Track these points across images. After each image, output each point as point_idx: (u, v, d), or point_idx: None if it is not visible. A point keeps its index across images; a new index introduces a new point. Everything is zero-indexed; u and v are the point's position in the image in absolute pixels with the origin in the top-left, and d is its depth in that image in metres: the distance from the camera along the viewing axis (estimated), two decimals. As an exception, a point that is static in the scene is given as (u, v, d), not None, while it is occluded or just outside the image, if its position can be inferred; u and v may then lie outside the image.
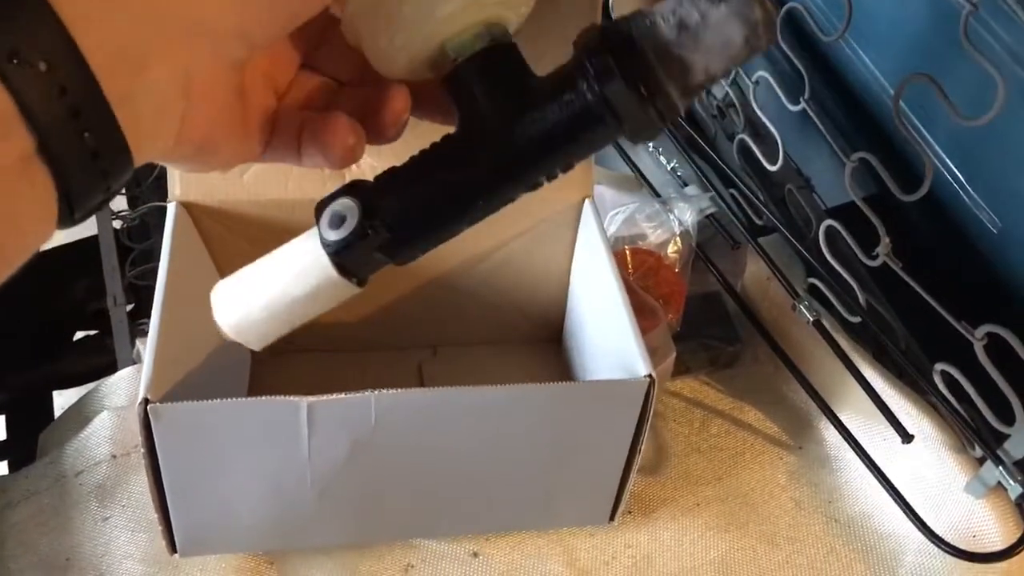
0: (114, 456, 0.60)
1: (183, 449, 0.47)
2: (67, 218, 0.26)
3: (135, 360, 0.68)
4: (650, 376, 0.49)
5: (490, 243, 0.62)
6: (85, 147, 0.25)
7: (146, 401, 0.44)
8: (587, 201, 0.60)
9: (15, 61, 0.23)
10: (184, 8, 0.27)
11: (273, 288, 0.36)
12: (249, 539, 0.55)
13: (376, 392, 0.46)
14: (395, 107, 0.36)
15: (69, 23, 0.24)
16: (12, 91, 0.23)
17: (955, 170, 0.68)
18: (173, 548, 0.53)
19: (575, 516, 0.59)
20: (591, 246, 0.59)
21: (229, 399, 0.45)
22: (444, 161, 0.35)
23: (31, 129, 0.24)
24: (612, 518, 0.58)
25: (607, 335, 0.56)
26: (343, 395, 0.46)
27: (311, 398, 0.46)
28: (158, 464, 0.47)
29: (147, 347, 0.47)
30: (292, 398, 0.46)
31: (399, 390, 0.47)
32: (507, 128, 0.34)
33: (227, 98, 0.31)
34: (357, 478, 0.51)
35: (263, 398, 0.46)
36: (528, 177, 0.35)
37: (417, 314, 0.64)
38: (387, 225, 0.34)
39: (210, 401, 0.45)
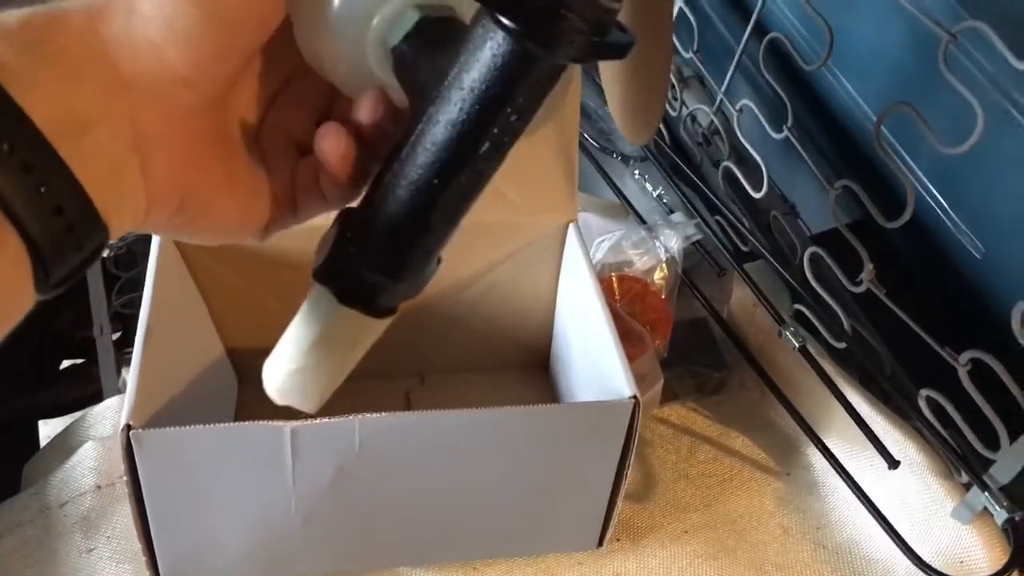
0: (99, 487, 0.60)
1: (166, 475, 0.47)
2: (44, 287, 0.26)
3: (121, 389, 0.68)
4: (635, 398, 0.49)
5: (475, 268, 0.62)
6: (60, 223, 0.25)
7: (128, 427, 0.44)
8: (571, 225, 0.60)
9: None
10: (119, 63, 0.27)
11: (295, 341, 0.34)
12: (234, 569, 0.54)
13: (360, 416, 0.46)
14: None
15: (20, 98, 0.24)
16: None
17: (938, 195, 0.69)
18: (156, 574, 0.52)
19: (563, 542, 0.59)
20: (576, 270, 0.59)
21: (212, 425, 0.45)
22: (397, 148, 0.32)
23: (4, 211, 0.24)
24: (600, 543, 0.58)
25: (592, 358, 0.56)
26: (327, 420, 0.46)
27: (295, 423, 0.45)
28: (141, 491, 0.47)
29: (130, 373, 0.47)
30: (275, 423, 0.45)
31: (383, 414, 0.46)
32: (440, 88, 0.31)
33: (196, 147, 0.30)
34: (342, 504, 0.51)
35: (246, 423, 0.45)
36: (476, 134, 0.31)
37: (404, 341, 0.64)
38: (360, 235, 0.32)
39: (193, 427, 0.45)
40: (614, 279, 0.69)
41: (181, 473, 0.47)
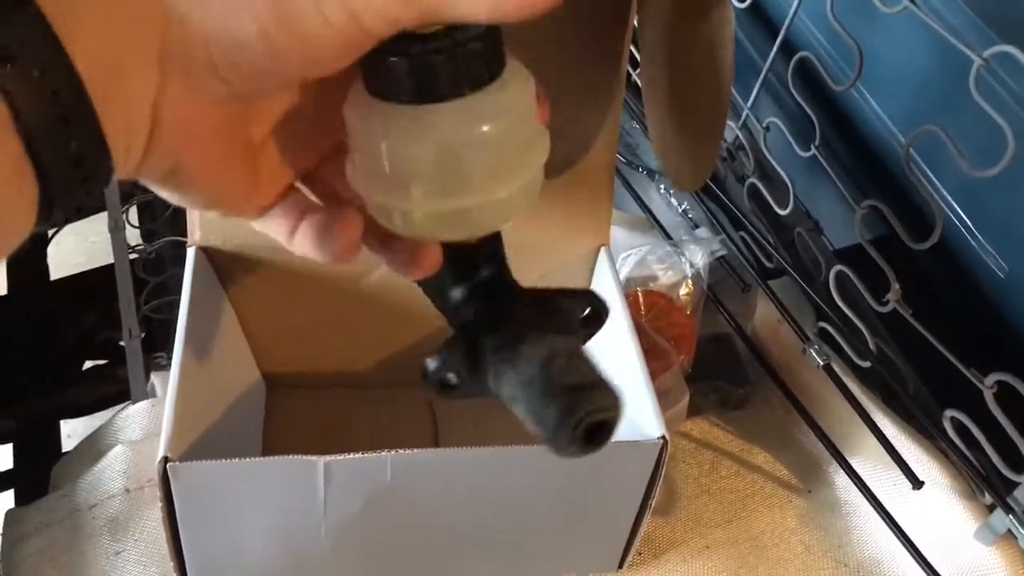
0: (127, 490, 0.60)
1: (200, 504, 0.48)
2: (45, 220, 0.27)
3: (150, 394, 0.68)
4: (663, 438, 0.49)
5: None
6: (70, 154, 0.25)
7: (166, 459, 0.45)
8: (603, 249, 0.60)
9: (9, 67, 0.23)
10: (162, 30, 0.27)
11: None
12: None
13: (392, 453, 0.47)
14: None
15: (59, 31, 0.24)
16: (6, 96, 0.23)
17: (963, 216, 0.69)
18: None
19: (584, 564, 0.59)
20: (606, 294, 0.59)
21: (246, 459, 0.46)
22: None
23: (20, 133, 0.24)
24: (620, 566, 0.59)
25: (620, 388, 0.56)
26: (359, 455, 0.46)
27: (327, 457, 0.46)
28: (175, 516, 0.48)
29: (167, 402, 0.47)
30: (309, 457, 0.46)
31: (414, 451, 0.47)
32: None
33: (204, 131, 0.30)
34: (371, 531, 0.51)
35: (279, 457, 0.46)
36: None
37: (431, 352, 0.64)
38: None
39: (227, 460, 0.46)
40: (639, 294, 0.70)
41: (215, 501, 0.48)
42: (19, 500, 0.88)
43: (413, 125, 0.31)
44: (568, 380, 0.32)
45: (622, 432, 0.55)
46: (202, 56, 0.28)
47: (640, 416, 0.52)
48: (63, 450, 0.93)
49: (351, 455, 0.46)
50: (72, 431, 1.10)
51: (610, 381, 0.32)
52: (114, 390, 0.97)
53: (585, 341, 0.36)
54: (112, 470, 0.61)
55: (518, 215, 0.35)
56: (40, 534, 0.59)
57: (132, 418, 0.65)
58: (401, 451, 0.47)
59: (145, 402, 0.66)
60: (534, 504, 0.53)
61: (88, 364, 1.07)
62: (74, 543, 0.58)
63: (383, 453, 0.47)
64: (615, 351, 0.57)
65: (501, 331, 0.34)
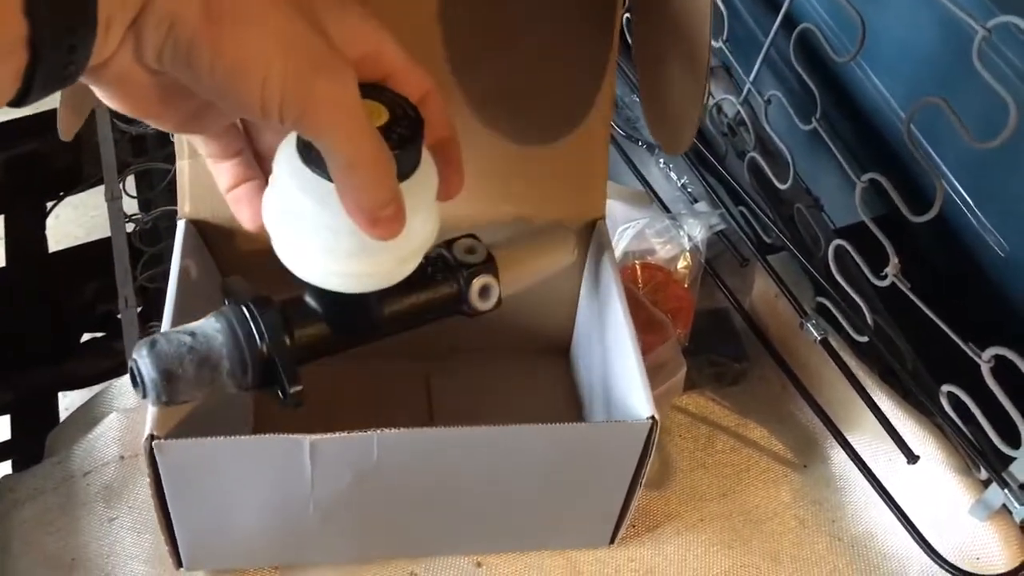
0: (122, 457, 0.60)
1: (187, 481, 0.48)
2: (22, 96, 0.28)
3: (144, 362, 0.68)
4: (653, 419, 0.49)
5: None
6: (62, 23, 0.27)
7: (152, 436, 0.45)
8: (599, 223, 0.60)
9: None
10: None
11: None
12: (253, 556, 0.55)
13: (379, 432, 0.46)
14: None
15: None
16: None
17: (963, 193, 0.69)
18: (179, 563, 0.54)
19: (575, 540, 0.59)
20: (600, 271, 0.59)
21: (232, 437, 0.46)
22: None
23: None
24: (612, 542, 0.59)
25: (612, 367, 0.56)
26: (345, 434, 0.46)
27: (313, 436, 0.46)
28: (163, 491, 0.48)
29: None
30: (295, 436, 0.46)
31: (401, 430, 0.46)
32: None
33: (144, 75, 0.33)
34: (360, 507, 0.52)
35: (265, 436, 0.46)
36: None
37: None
38: None
39: (212, 439, 0.46)
40: (637, 267, 0.69)
41: (202, 478, 0.48)
42: (18, 471, 0.88)
43: (316, 194, 0.36)
44: None
45: (613, 403, 0.55)
46: (159, 36, 0.30)
47: (630, 397, 0.51)
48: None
49: (337, 435, 0.46)
50: (70, 404, 1.10)
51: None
52: (112, 363, 0.98)
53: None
54: (107, 437, 0.61)
55: (385, 284, 0.41)
56: (34, 500, 0.59)
57: (127, 386, 0.65)
58: (388, 430, 0.46)
59: (140, 370, 0.66)
60: (523, 483, 0.53)
61: (86, 337, 1.07)
62: (68, 509, 0.58)
63: (370, 432, 0.46)
64: (609, 332, 0.57)
65: None
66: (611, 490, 0.54)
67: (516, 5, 0.54)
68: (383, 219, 0.35)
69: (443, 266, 0.46)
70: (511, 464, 0.51)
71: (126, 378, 0.66)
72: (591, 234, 0.60)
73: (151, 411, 0.45)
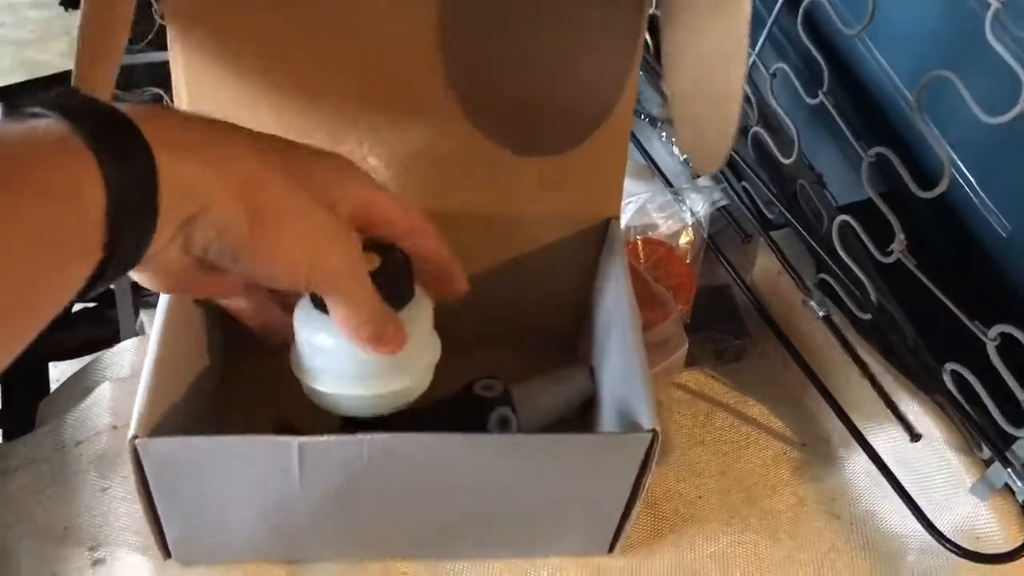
0: (115, 427, 0.60)
1: (173, 479, 0.47)
2: (86, 293, 0.32)
3: (138, 332, 0.67)
4: (654, 431, 0.48)
5: (513, 254, 0.61)
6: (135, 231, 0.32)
7: (135, 436, 0.44)
8: (612, 221, 0.59)
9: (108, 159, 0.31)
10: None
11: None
12: (241, 551, 0.54)
13: (369, 436, 0.45)
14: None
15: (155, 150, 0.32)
16: (102, 169, 0.30)
17: (967, 173, 0.68)
18: (167, 554, 0.53)
19: (573, 549, 0.58)
20: (612, 271, 0.58)
21: (217, 437, 0.45)
22: None
23: (107, 199, 0.31)
24: (611, 551, 0.58)
25: (617, 371, 0.56)
26: (334, 437, 0.45)
27: (302, 439, 0.45)
28: (149, 487, 0.47)
29: (142, 383, 0.47)
30: (284, 438, 0.45)
31: (391, 435, 0.46)
32: None
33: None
34: (351, 507, 0.50)
35: (252, 437, 0.45)
36: None
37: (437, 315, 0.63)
38: None
39: (197, 438, 0.45)
40: (639, 242, 0.69)
41: (187, 476, 0.47)
42: (8, 440, 0.87)
43: (324, 330, 0.45)
44: None
45: (616, 408, 0.54)
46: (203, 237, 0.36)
47: (633, 407, 0.50)
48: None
49: (325, 437, 0.45)
50: (61, 375, 1.09)
51: None
52: (104, 332, 0.96)
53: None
54: (99, 407, 0.60)
55: (401, 404, 0.49)
56: (26, 469, 0.58)
57: (120, 355, 0.65)
58: (378, 435, 0.45)
59: (133, 339, 0.65)
60: (520, 491, 0.52)
61: (78, 307, 1.06)
62: (60, 479, 0.58)
63: (359, 436, 0.45)
64: (615, 335, 0.56)
65: None
66: (611, 499, 0.53)
67: (534, 12, 0.53)
68: (386, 338, 0.43)
69: (466, 400, 0.56)
70: (508, 470, 0.50)
71: (118, 347, 0.65)
72: (605, 232, 0.60)
73: (137, 411, 0.45)
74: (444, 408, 0.55)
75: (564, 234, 0.60)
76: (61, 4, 1.19)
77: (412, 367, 0.48)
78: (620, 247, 0.58)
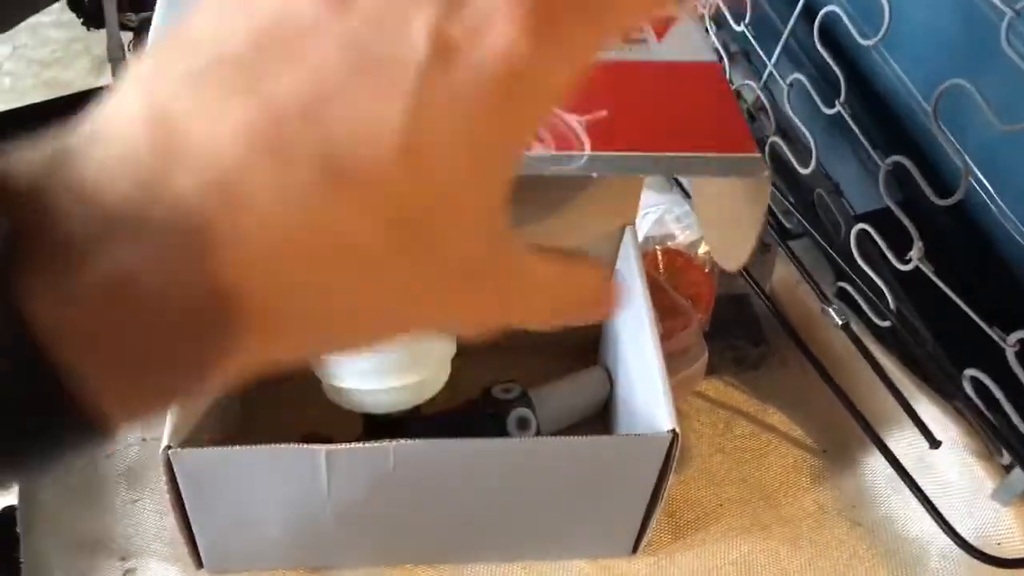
0: (144, 439, 0.61)
1: (205, 488, 0.49)
2: None
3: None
4: (674, 431, 0.48)
5: None
6: None
7: (168, 447, 0.46)
8: (628, 229, 0.59)
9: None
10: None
11: None
12: (273, 559, 0.56)
13: (394, 443, 0.47)
14: None
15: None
16: None
17: (983, 180, 0.68)
18: (199, 564, 0.54)
19: (596, 551, 0.59)
20: (628, 277, 0.59)
21: (247, 447, 0.46)
22: None
23: None
24: (635, 551, 0.58)
25: (636, 375, 0.56)
26: (360, 445, 0.47)
27: (329, 447, 0.46)
28: (182, 497, 0.48)
29: None
30: (311, 447, 0.46)
31: (416, 441, 0.47)
32: None
33: None
34: (379, 513, 0.52)
35: (281, 446, 0.46)
36: None
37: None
38: None
39: (228, 448, 0.46)
40: (658, 252, 0.69)
41: (218, 485, 0.49)
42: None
43: None
44: None
45: (636, 411, 0.55)
46: None
47: (652, 409, 0.51)
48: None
49: (352, 445, 0.46)
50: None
51: None
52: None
53: None
54: (129, 419, 0.61)
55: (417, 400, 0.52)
56: (56, 481, 0.59)
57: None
58: (403, 441, 0.47)
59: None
60: (541, 494, 0.53)
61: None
62: (91, 490, 0.59)
63: (385, 443, 0.46)
64: (632, 338, 0.57)
65: None
66: (633, 501, 0.54)
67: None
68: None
69: (485, 402, 0.56)
70: (531, 473, 0.51)
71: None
72: (620, 239, 0.60)
73: (168, 421, 0.46)
74: (464, 411, 0.56)
75: (581, 241, 0.61)
76: (83, 24, 1.21)
77: (427, 360, 0.50)
78: (636, 252, 0.58)
